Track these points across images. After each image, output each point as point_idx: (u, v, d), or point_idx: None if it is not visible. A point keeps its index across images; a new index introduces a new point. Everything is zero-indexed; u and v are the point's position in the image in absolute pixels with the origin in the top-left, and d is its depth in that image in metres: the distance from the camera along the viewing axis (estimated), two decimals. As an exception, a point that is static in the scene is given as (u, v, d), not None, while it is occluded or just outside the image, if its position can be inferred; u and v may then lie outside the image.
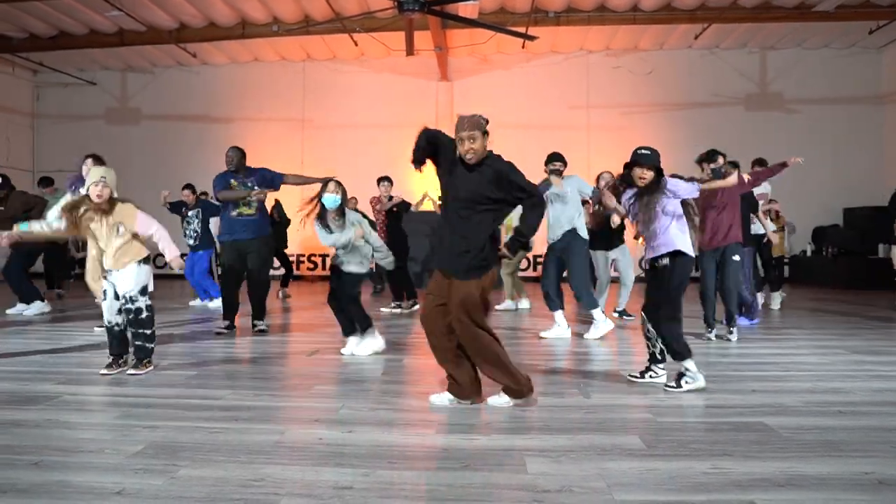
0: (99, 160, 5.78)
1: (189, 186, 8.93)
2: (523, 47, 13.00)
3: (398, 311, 7.86)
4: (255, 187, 5.95)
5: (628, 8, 11.47)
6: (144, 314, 4.14)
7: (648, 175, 3.79)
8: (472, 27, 10.04)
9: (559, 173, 5.88)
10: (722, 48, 13.61)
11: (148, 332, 4.18)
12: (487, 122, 3.31)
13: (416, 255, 11.89)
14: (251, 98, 14.60)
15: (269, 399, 3.59)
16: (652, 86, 13.84)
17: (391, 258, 5.22)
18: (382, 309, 7.92)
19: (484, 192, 3.27)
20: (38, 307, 7.48)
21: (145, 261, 4.18)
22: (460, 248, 3.29)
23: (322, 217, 4.81)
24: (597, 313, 5.71)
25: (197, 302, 8.63)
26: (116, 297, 4.14)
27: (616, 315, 6.98)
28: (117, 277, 4.13)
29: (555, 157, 5.94)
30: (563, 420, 3.16)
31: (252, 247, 5.96)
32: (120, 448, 2.70)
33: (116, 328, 4.18)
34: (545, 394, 3.66)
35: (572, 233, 5.76)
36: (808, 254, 12.98)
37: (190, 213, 8.67)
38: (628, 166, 3.92)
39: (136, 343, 4.19)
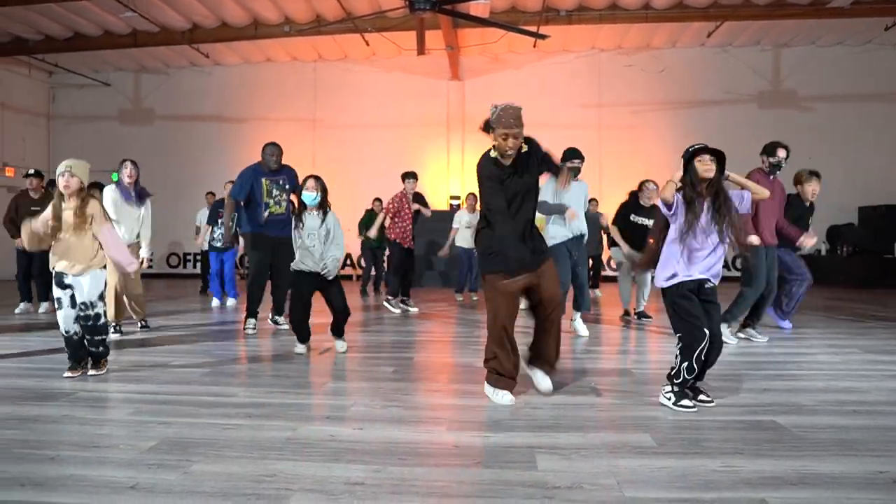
0: (135, 164, 5.87)
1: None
2: (535, 46, 12.98)
3: (401, 307, 7.86)
4: (287, 186, 5.96)
5: (640, 6, 11.42)
6: (101, 320, 4.05)
7: (713, 166, 3.33)
8: (483, 26, 10.04)
9: (578, 172, 5.63)
10: (735, 46, 13.53)
11: (104, 337, 4.10)
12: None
13: (431, 254, 11.98)
14: (263, 98, 14.70)
15: (282, 396, 3.61)
16: (664, 84, 13.77)
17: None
18: (390, 306, 7.94)
19: (532, 182, 3.44)
20: (23, 307, 7.67)
21: (104, 267, 4.10)
22: (533, 237, 3.46)
23: (300, 215, 4.80)
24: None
25: (216, 303, 8.58)
26: (72, 305, 4.00)
27: (635, 317, 6.92)
28: (78, 283, 3.98)
29: (573, 154, 5.62)
30: (575, 418, 3.16)
31: (283, 242, 5.97)
32: (134, 443, 2.73)
33: (75, 337, 4.03)
34: (556, 391, 3.66)
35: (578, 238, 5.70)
36: (823, 252, 12.86)
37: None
38: (687, 163, 3.42)
39: (92, 350, 4.08)
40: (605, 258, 10.82)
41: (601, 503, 2.15)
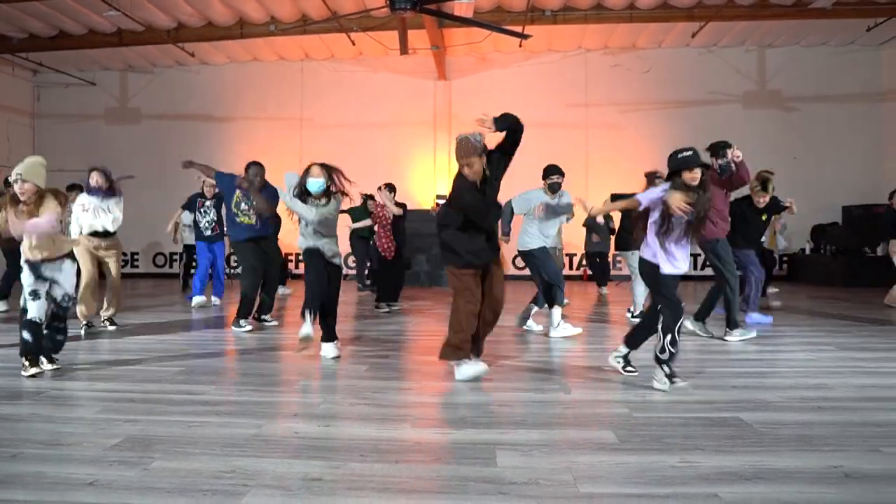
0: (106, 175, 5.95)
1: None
2: (520, 46, 12.98)
3: (388, 310, 7.85)
4: (254, 203, 5.96)
5: (625, 6, 11.45)
6: (70, 311, 4.25)
7: (698, 174, 3.63)
8: (467, 26, 10.03)
9: (557, 188, 5.70)
10: (720, 46, 13.58)
11: (64, 325, 4.25)
12: (482, 138, 3.75)
13: (415, 254, 11.97)
14: (250, 97, 14.63)
15: (252, 394, 3.61)
16: (650, 84, 13.81)
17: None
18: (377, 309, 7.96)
19: (496, 190, 3.91)
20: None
21: (73, 260, 4.25)
22: (493, 241, 3.99)
23: (304, 202, 4.66)
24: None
25: (199, 300, 8.22)
26: (46, 296, 4.05)
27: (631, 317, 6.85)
28: (56, 276, 4.07)
29: (553, 170, 5.71)
30: (540, 415, 3.18)
31: (269, 244, 6.33)
32: (98, 441, 2.73)
33: (42, 326, 4.04)
34: (524, 389, 3.68)
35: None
36: (807, 252, 12.96)
37: (207, 203, 8.44)
38: (671, 176, 3.68)
39: (58, 338, 4.20)
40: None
41: (555, 498, 2.17)
